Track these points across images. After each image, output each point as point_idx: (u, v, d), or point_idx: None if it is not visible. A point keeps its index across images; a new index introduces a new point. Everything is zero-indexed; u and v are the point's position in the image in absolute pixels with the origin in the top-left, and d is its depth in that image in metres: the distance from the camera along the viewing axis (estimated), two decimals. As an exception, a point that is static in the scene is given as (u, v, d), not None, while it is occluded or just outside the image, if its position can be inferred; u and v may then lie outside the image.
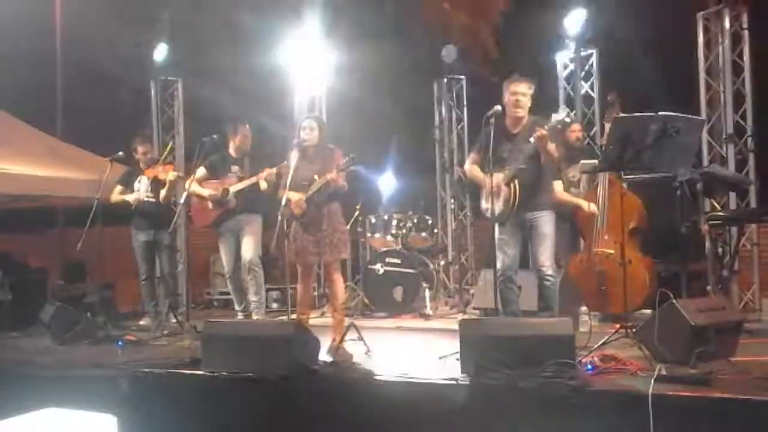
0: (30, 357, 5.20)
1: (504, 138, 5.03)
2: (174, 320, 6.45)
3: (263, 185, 5.92)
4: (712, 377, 3.58)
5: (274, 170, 5.78)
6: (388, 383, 3.99)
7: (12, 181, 7.06)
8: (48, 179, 7.44)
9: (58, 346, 5.70)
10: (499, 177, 4.99)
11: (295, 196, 5.20)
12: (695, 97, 6.94)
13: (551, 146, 4.89)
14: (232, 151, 6.30)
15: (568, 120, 4.90)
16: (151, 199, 6.70)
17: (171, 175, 6.51)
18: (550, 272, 5.00)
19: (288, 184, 5.18)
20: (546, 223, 5.04)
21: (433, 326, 6.63)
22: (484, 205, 5.21)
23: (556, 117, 4.83)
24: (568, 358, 3.79)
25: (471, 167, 5.36)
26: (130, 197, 6.76)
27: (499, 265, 4.99)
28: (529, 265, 5.19)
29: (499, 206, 4.98)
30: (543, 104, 5.09)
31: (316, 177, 5.18)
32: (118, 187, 6.88)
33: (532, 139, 4.85)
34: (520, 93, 5.00)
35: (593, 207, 5.91)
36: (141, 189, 6.74)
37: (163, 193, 6.58)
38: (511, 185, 4.97)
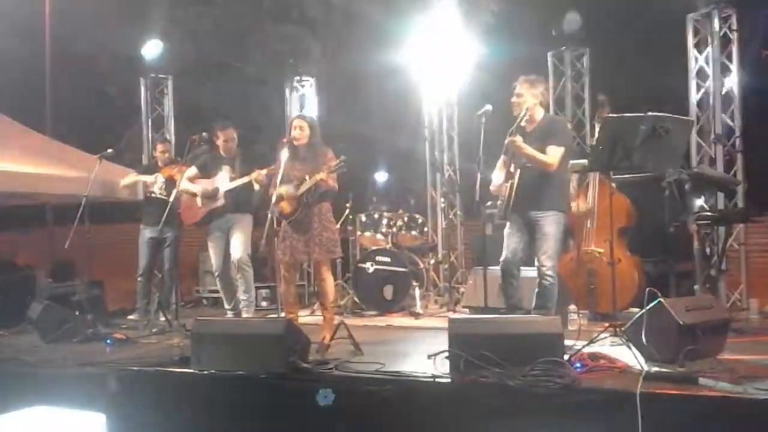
0: (18, 355, 5.16)
1: (520, 136, 5.03)
2: (163, 318, 6.44)
3: (255, 186, 5.91)
4: (700, 376, 3.60)
5: (264, 172, 5.76)
6: (378, 382, 3.98)
7: (0, 178, 7.01)
8: (37, 176, 7.40)
9: (46, 344, 5.68)
10: (500, 177, 5.13)
11: (284, 188, 5.21)
12: (684, 98, 6.98)
13: (526, 150, 4.91)
14: (221, 151, 6.28)
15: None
16: (162, 197, 6.74)
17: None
18: (549, 272, 4.99)
19: (279, 182, 5.18)
20: (550, 223, 5.00)
21: (422, 325, 6.63)
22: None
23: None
24: (557, 356, 3.81)
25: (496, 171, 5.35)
26: (146, 177, 6.90)
27: (501, 258, 5.06)
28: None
29: (499, 205, 5.07)
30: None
31: (306, 177, 5.18)
32: (133, 174, 7.07)
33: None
34: (516, 93, 5.07)
35: (581, 206, 5.94)
36: (155, 186, 6.87)
37: (174, 193, 6.57)
38: (510, 182, 4.99)
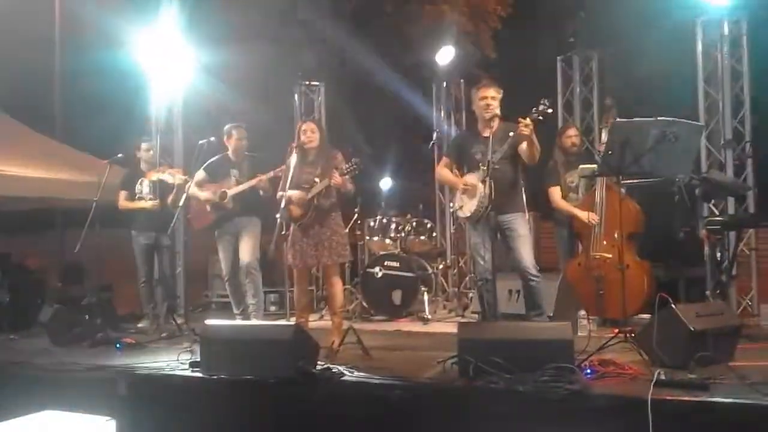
0: (28, 359, 5.18)
1: (475, 141, 5.14)
2: (172, 323, 6.44)
3: (260, 191, 5.91)
4: (711, 382, 3.58)
5: (270, 174, 5.77)
6: (386, 387, 3.97)
7: (11, 182, 7.05)
8: (46, 181, 7.44)
9: (56, 348, 5.69)
10: (472, 177, 5.09)
11: (295, 193, 5.22)
12: (694, 103, 6.95)
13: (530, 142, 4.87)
14: (230, 154, 6.29)
15: None
16: (152, 202, 6.67)
17: (178, 179, 6.45)
18: (534, 272, 5.04)
19: (288, 186, 5.20)
20: (522, 225, 5.07)
21: (431, 330, 6.62)
22: (455, 205, 5.31)
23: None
24: (567, 362, 3.79)
25: (441, 169, 5.47)
26: (146, 204, 6.67)
27: (478, 269, 5.05)
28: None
29: (473, 205, 5.02)
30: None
31: (316, 180, 5.20)
32: (123, 193, 6.80)
33: (511, 133, 4.88)
34: (489, 97, 5.11)
35: (593, 217, 5.90)
36: (143, 192, 6.70)
37: (170, 197, 6.54)
38: (486, 183, 4.86)
